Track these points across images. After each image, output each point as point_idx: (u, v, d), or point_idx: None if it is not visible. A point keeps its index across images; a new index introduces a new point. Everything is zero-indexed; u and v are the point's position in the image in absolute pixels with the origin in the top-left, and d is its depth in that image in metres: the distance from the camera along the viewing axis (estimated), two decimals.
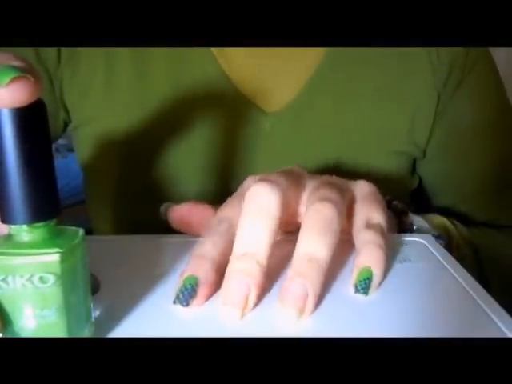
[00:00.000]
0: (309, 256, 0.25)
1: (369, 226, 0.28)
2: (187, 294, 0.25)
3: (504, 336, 0.23)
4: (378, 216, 0.29)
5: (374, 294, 0.26)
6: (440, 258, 0.30)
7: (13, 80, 0.18)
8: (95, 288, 0.26)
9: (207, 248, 0.26)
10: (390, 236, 0.33)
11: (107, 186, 0.49)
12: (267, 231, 0.25)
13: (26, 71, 0.18)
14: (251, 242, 0.25)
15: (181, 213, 0.32)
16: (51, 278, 0.20)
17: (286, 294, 0.24)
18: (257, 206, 0.25)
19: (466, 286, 0.27)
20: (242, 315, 0.24)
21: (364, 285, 0.26)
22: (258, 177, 0.30)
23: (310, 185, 0.30)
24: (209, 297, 0.25)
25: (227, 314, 0.24)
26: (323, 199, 0.27)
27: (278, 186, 0.26)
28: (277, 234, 0.26)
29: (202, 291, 0.25)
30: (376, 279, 0.26)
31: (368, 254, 0.27)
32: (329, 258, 0.25)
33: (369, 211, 0.29)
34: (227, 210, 0.29)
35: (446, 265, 0.29)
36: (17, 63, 0.18)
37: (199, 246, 0.27)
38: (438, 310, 0.25)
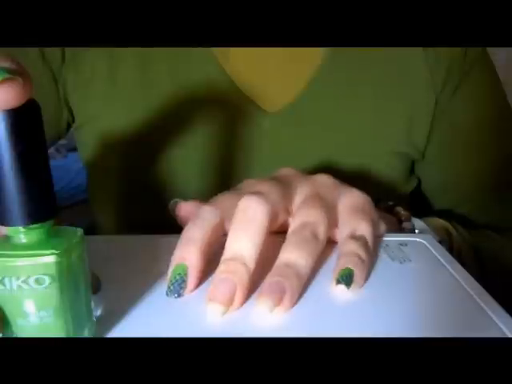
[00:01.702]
0: (288, 263, 0.26)
1: (353, 237, 0.29)
2: (177, 286, 0.26)
3: (504, 336, 0.23)
4: (363, 227, 0.29)
5: (374, 293, 0.26)
6: (440, 258, 0.30)
7: (1, 82, 0.18)
8: (96, 287, 0.26)
9: (195, 233, 0.27)
10: (388, 236, 0.33)
11: (110, 185, 0.49)
12: (254, 238, 0.26)
13: (14, 72, 0.18)
14: (239, 247, 0.26)
15: (187, 210, 0.32)
16: (47, 280, 0.20)
17: (264, 288, 0.25)
18: (245, 218, 0.26)
19: (465, 286, 0.27)
20: (225, 312, 0.24)
21: (346, 278, 0.26)
22: (254, 181, 0.31)
23: (300, 195, 0.30)
24: (198, 283, 0.26)
25: (211, 311, 0.24)
26: (306, 224, 0.27)
27: (265, 197, 0.27)
28: (264, 242, 0.26)
29: (192, 279, 0.26)
30: (357, 279, 0.27)
31: (348, 259, 0.27)
32: (308, 268, 0.26)
33: (355, 223, 0.30)
34: (217, 201, 0.30)
35: (446, 265, 0.29)
36: (6, 64, 0.18)
37: (186, 230, 0.27)
38: (437, 310, 0.25)
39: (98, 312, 0.24)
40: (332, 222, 0.30)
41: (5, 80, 0.18)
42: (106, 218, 0.52)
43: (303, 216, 0.28)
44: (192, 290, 0.26)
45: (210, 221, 0.28)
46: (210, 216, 0.28)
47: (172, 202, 0.33)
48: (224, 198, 0.30)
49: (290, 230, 0.28)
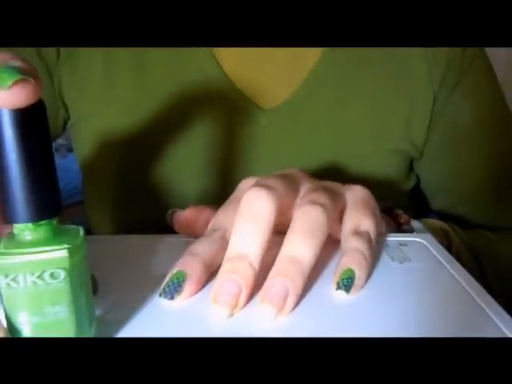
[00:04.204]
0: (291, 258, 0.25)
1: (356, 233, 0.29)
2: (173, 288, 0.25)
3: (504, 336, 0.23)
4: (367, 223, 0.29)
5: (374, 293, 0.26)
6: (440, 258, 0.30)
7: (15, 83, 0.18)
8: (94, 288, 0.26)
9: (200, 247, 0.27)
10: (389, 236, 0.33)
11: (105, 185, 0.49)
12: (260, 236, 0.26)
13: (26, 72, 0.18)
14: (244, 245, 0.25)
15: (185, 218, 0.32)
16: (62, 274, 0.20)
17: (267, 291, 0.25)
18: (251, 211, 0.26)
19: (465, 286, 0.27)
20: (232, 314, 0.24)
21: (346, 282, 0.26)
22: (253, 180, 0.31)
23: (305, 188, 0.30)
24: (194, 293, 0.26)
25: (216, 313, 0.24)
26: (312, 202, 0.27)
27: (273, 191, 0.27)
28: (270, 237, 0.26)
29: (189, 287, 0.26)
30: (358, 281, 0.26)
31: (350, 258, 0.27)
32: (312, 261, 0.26)
33: (359, 218, 0.29)
34: (222, 216, 0.30)
35: (446, 265, 0.29)
36: (17, 64, 0.18)
37: (193, 245, 0.28)
38: (437, 310, 0.25)
39: (98, 312, 0.24)
40: (336, 211, 0.29)
41: (18, 81, 0.18)
42: (101, 219, 0.52)
43: (307, 202, 0.27)
44: (186, 298, 0.26)
45: (218, 242, 0.28)
46: (217, 234, 0.28)
47: (169, 211, 0.33)
48: (227, 212, 0.30)
49: (294, 217, 0.27)
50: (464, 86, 0.48)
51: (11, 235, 0.20)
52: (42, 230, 0.20)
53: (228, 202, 0.31)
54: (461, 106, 0.48)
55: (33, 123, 0.19)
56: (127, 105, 0.46)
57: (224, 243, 0.27)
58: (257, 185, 0.27)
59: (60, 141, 1.60)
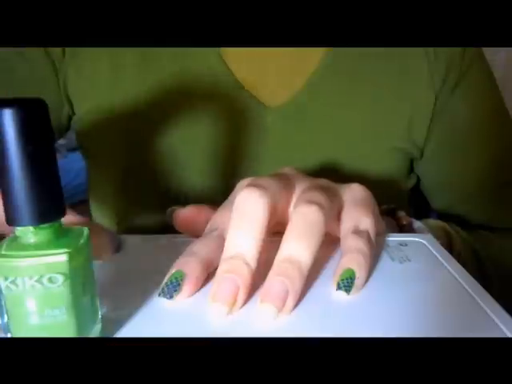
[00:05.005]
0: (290, 258, 0.25)
1: (356, 232, 0.28)
2: (171, 288, 0.25)
3: (504, 336, 0.23)
4: (366, 222, 0.29)
5: (374, 293, 0.26)
6: (440, 258, 0.30)
7: None
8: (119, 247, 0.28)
9: (198, 247, 0.27)
10: (389, 236, 0.33)
11: (110, 177, 0.49)
12: (255, 235, 0.26)
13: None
14: (240, 245, 0.25)
15: (185, 216, 0.32)
16: (60, 278, 0.20)
17: (266, 291, 0.25)
18: (245, 211, 0.26)
19: (466, 286, 0.27)
20: (229, 313, 0.24)
21: (346, 283, 0.26)
22: (248, 180, 0.30)
23: (300, 187, 0.30)
24: (193, 293, 0.26)
25: (215, 311, 0.24)
26: (310, 202, 0.27)
27: (266, 191, 0.27)
28: (265, 237, 0.26)
29: (187, 286, 0.26)
30: (358, 281, 0.26)
31: (350, 258, 0.27)
32: (310, 260, 0.26)
33: (358, 217, 0.29)
34: (219, 216, 0.30)
35: (446, 265, 0.29)
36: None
37: (191, 245, 0.28)
38: (437, 310, 0.25)
39: (102, 311, 0.24)
40: (334, 211, 0.29)
41: None
42: (105, 212, 0.52)
43: (304, 201, 0.27)
44: (186, 297, 0.26)
45: (216, 241, 0.28)
46: (214, 235, 0.28)
47: (169, 209, 0.33)
48: (225, 212, 0.30)
49: (291, 217, 0.27)
50: (465, 85, 0.48)
51: (14, 237, 0.20)
52: (44, 233, 0.20)
53: (226, 202, 0.31)
54: (460, 107, 0.49)
55: (34, 124, 0.19)
56: (134, 99, 0.46)
57: (221, 243, 0.27)
58: (250, 185, 0.27)
59: (60, 141, 1.61)
